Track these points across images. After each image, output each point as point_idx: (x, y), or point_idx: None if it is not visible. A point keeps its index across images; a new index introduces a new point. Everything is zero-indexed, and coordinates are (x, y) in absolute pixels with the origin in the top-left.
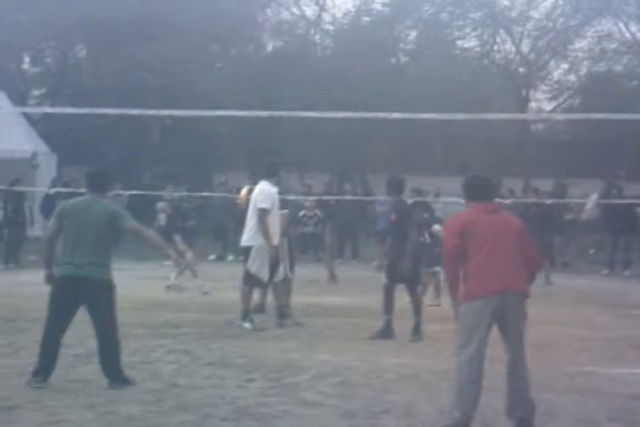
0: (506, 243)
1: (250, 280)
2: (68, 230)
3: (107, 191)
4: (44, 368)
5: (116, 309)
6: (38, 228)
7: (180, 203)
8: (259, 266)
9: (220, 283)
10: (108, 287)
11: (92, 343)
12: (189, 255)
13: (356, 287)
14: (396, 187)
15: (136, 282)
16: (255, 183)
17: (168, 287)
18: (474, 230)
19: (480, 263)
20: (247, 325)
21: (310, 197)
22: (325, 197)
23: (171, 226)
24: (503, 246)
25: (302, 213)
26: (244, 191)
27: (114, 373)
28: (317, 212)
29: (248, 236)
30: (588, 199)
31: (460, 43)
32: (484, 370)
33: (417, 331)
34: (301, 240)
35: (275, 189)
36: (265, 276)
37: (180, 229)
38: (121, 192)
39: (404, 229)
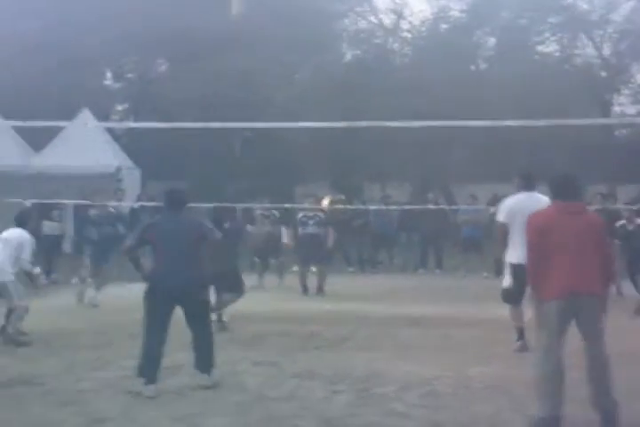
0: (583, 246)
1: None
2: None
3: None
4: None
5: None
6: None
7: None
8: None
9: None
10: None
11: (180, 356)
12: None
13: (441, 297)
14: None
15: None
16: (336, 194)
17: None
18: (552, 231)
19: (555, 265)
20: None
21: (392, 207)
22: (408, 207)
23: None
24: (580, 249)
25: (301, 214)
26: (325, 202)
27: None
28: (319, 213)
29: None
30: None
31: (539, 48)
32: (564, 363)
33: None
34: (306, 241)
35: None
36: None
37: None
38: (204, 205)
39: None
